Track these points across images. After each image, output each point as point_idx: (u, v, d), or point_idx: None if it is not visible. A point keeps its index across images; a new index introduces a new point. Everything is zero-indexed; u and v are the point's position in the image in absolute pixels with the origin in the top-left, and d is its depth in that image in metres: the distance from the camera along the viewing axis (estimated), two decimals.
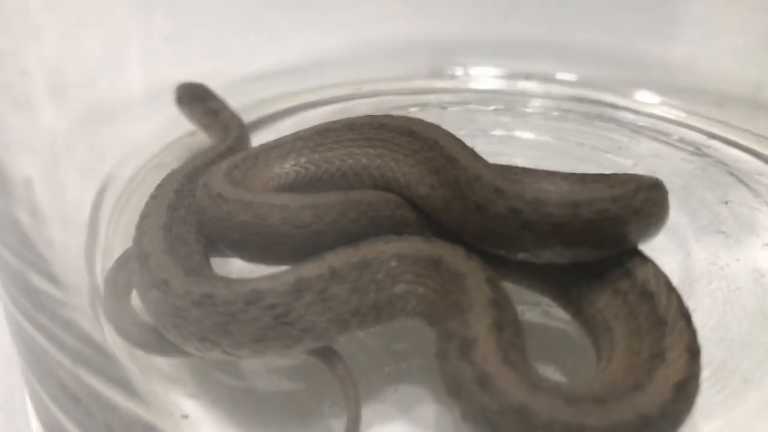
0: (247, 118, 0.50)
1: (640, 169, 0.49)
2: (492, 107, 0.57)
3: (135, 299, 0.34)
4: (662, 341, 0.29)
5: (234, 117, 0.47)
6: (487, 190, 0.31)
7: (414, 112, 0.56)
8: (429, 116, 0.54)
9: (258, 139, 0.47)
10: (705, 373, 0.33)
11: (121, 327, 0.33)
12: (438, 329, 0.30)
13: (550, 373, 0.33)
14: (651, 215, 0.31)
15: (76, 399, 0.31)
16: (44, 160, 0.41)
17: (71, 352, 0.32)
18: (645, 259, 0.32)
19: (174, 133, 0.51)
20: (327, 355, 0.31)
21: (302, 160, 0.36)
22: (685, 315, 0.29)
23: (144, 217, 0.34)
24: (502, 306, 0.29)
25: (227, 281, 0.30)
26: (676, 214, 0.44)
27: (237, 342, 0.29)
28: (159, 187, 0.36)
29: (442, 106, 0.57)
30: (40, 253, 0.35)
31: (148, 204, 0.35)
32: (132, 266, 0.33)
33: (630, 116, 0.55)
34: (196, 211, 0.34)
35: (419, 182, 0.34)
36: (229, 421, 0.32)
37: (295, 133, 0.37)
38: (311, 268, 0.30)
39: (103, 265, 0.39)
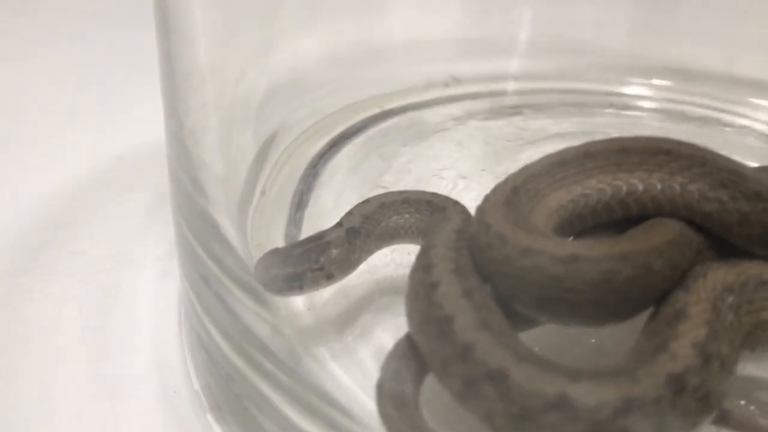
0: None
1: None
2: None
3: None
4: None
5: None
6: None
7: (451, 126, 0.54)
8: (472, 131, 0.54)
9: None
10: None
11: None
12: None
13: None
14: None
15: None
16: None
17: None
18: None
19: None
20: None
21: (577, 190, 0.33)
22: None
23: (434, 284, 0.29)
24: None
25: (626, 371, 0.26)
26: None
27: None
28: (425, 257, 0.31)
29: (483, 117, 0.55)
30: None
31: (415, 281, 0.30)
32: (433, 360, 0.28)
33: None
34: (476, 254, 0.31)
35: (702, 199, 0.33)
36: None
37: (540, 163, 0.34)
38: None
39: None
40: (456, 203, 0.36)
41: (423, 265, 0.31)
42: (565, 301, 0.29)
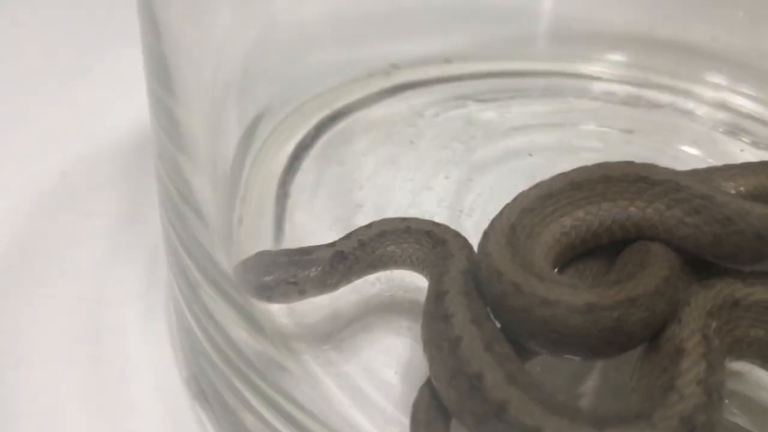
0: None
1: None
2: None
3: None
4: None
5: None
6: (764, 222, 0.35)
7: (401, 129, 0.55)
8: (424, 130, 0.55)
9: None
10: None
11: None
12: None
13: None
14: None
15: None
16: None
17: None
18: None
19: None
20: None
21: (568, 222, 0.36)
22: None
23: (457, 339, 0.31)
24: None
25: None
26: None
27: None
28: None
29: (432, 114, 0.56)
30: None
31: (436, 333, 0.32)
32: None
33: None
34: (490, 299, 0.33)
35: (679, 225, 0.36)
36: None
37: (529, 195, 0.37)
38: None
39: None
40: (456, 235, 0.37)
41: (441, 316, 0.32)
42: (581, 343, 0.31)
